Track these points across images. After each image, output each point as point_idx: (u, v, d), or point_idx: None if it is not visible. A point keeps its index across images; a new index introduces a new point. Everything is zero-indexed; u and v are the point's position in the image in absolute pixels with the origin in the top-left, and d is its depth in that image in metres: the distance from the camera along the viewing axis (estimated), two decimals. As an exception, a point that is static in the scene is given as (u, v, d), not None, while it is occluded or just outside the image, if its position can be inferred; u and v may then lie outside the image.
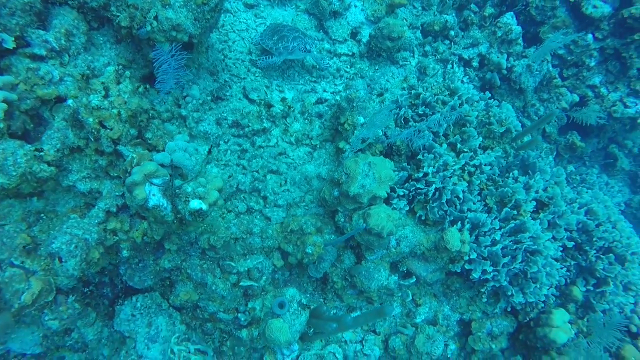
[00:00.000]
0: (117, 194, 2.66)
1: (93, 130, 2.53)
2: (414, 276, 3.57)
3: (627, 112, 5.77)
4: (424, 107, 3.79)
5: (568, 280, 3.97)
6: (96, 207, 2.63)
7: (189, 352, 3.02)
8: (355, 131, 3.36)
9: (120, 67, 2.80)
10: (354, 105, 3.61)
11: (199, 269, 2.97)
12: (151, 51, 2.93)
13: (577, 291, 3.84)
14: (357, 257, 3.52)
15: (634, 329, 4.02)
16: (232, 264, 2.94)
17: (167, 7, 3.03)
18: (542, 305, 3.74)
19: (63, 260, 2.36)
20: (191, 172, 2.68)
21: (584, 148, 6.13)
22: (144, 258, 2.98)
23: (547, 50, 5.12)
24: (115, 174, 2.69)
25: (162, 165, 2.51)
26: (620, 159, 7.21)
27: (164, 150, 2.72)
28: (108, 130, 2.55)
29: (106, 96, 2.63)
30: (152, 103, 2.98)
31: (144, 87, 2.92)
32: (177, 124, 3.45)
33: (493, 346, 3.78)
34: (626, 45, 5.70)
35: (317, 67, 4.44)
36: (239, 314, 3.05)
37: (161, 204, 2.39)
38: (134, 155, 2.51)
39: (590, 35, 5.92)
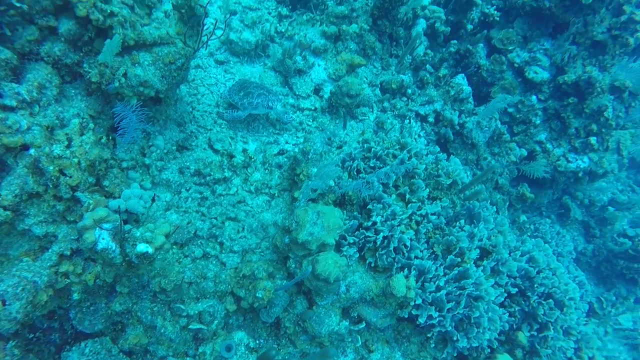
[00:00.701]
0: (72, 237, 2.78)
1: (53, 178, 2.69)
2: (364, 322, 3.69)
3: (569, 166, 6.27)
4: (375, 159, 4.10)
5: (514, 326, 4.15)
6: (50, 250, 2.73)
7: (136, 400, 3.00)
8: (308, 181, 3.61)
9: (85, 119, 3.02)
10: (309, 157, 3.88)
11: (149, 312, 3.03)
12: (119, 104, 3.18)
13: (523, 336, 4.01)
14: (309, 302, 3.63)
15: (578, 374, 4.18)
16: (182, 307, 3.03)
17: (136, 65, 3.32)
18: (489, 350, 3.88)
19: (7, 303, 2.42)
20: (148, 218, 2.83)
21: (534, 199, 6.54)
22: (96, 301, 3.03)
23: (493, 110, 5.62)
24: (72, 219, 2.82)
25: (117, 211, 2.66)
26: (573, 209, 7.68)
27: (120, 197, 2.89)
28: (67, 178, 2.72)
29: (69, 146, 2.82)
30: (114, 153, 3.18)
31: (107, 138, 3.13)
32: (140, 171, 3.64)
33: (443, 393, 3.86)
34: (564, 107, 6.31)
35: (280, 120, 4.76)
36: (188, 358, 3.08)
37: (110, 247, 2.53)
38: (91, 202, 2.66)
39: (534, 97, 6.54)
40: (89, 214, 2.51)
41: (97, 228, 2.49)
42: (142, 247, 2.51)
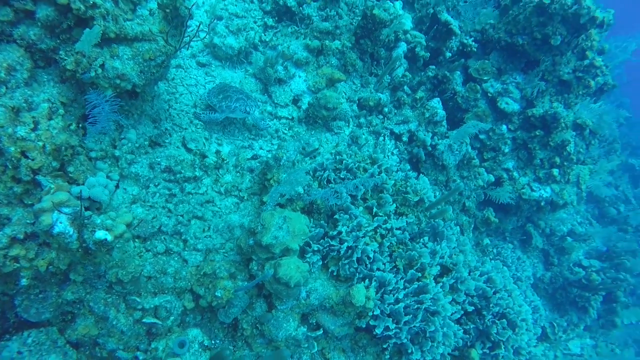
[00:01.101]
0: (28, 221, 2.71)
1: (13, 159, 2.64)
2: (321, 329, 3.71)
3: (533, 195, 6.54)
4: (345, 171, 4.19)
5: (468, 343, 4.25)
6: (1, 232, 2.65)
7: (78, 395, 2.90)
8: (276, 185, 3.66)
9: (55, 104, 2.99)
10: (281, 163, 3.94)
11: (103, 303, 2.97)
12: (93, 92, 3.16)
13: (475, 354, 4.12)
14: (269, 306, 3.64)
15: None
16: (138, 299, 2.98)
17: (115, 57, 3.33)
18: (442, 366, 3.96)
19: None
20: (109, 207, 2.80)
21: (498, 223, 6.77)
22: (46, 289, 2.94)
23: (464, 134, 5.85)
24: (30, 202, 2.76)
25: (79, 198, 2.63)
26: (535, 237, 7.97)
27: (84, 184, 2.85)
28: (29, 160, 2.67)
29: (34, 129, 2.79)
30: (83, 141, 3.15)
31: (77, 126, 3.11)
32: (109, 163, 3.60)
33: (395, 406, 3.89)
34: (531, 139, 6.63)
35: (257, 126, 4.81)
36: (138, 353, 3.02)
37: (67, 231, 2.48)
38: (52, 186, 2.62)
39: (504, 126, 6.83)
40: (48, 196, 2.47)
41: (56, 211, 2.45)
42: (100, 234, 2.48)
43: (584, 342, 7.33)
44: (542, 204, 6.67)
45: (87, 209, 2.63)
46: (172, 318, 3.18)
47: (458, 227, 4.69)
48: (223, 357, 3.18)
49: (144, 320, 3.00)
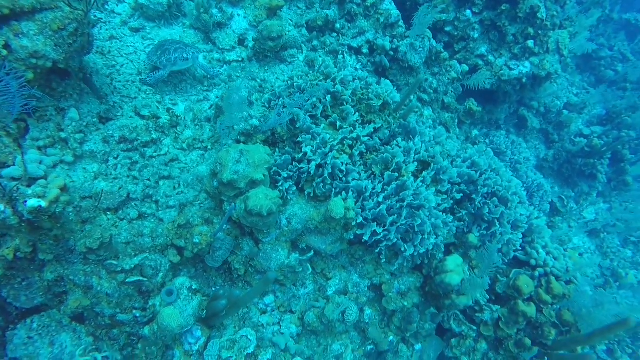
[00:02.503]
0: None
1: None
2: (312, 251, 3.76)
3: (512, 74, 6.27)
4: (299, 93, 4.05)
5: (465, 230, 4.26)
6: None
7: (96, 361, 3.07)
8: (221, 118, 3.57)
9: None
10: (231, 102, 3.82)
11: (82, 274, 3.05)
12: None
13: (473, 237, 4.13)
14: (256, 242, 3.68)
15: (533, 262, 4.35)
16: (114, 262, 3.05)
17: (20, 35, 3.18)
18: (441, 255, 4.00)
19: None
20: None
21: (488, 114, 6.57)
22: (28, 276, 3.04)
23: (421, 25, 5.53)
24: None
25: (14, 179, 2.62)
26: (530, 119, 7.75)
27: (14, 165, 2.82)
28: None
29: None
30: (8, 125, 3.07)
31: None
32: (60, 147, 3.57)
33: (405, 303, 4.00)
34: (499, 16, 6.24)
35: (208, 76, 4.66)
36: (135, 311, 3.14)
37: (-4, 209, 2.50)
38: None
39: (468, 11, 6.44)
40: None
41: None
42: (33, 202, 2.49)
43: (598, 208, 7.30)
44: (524, 80, 6.41)
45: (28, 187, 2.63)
46: (161, 274, 3.25)
47: (431, 120, 4.56)
48: (218, 296, 3.28)
49: (127, 280, 3.08)
